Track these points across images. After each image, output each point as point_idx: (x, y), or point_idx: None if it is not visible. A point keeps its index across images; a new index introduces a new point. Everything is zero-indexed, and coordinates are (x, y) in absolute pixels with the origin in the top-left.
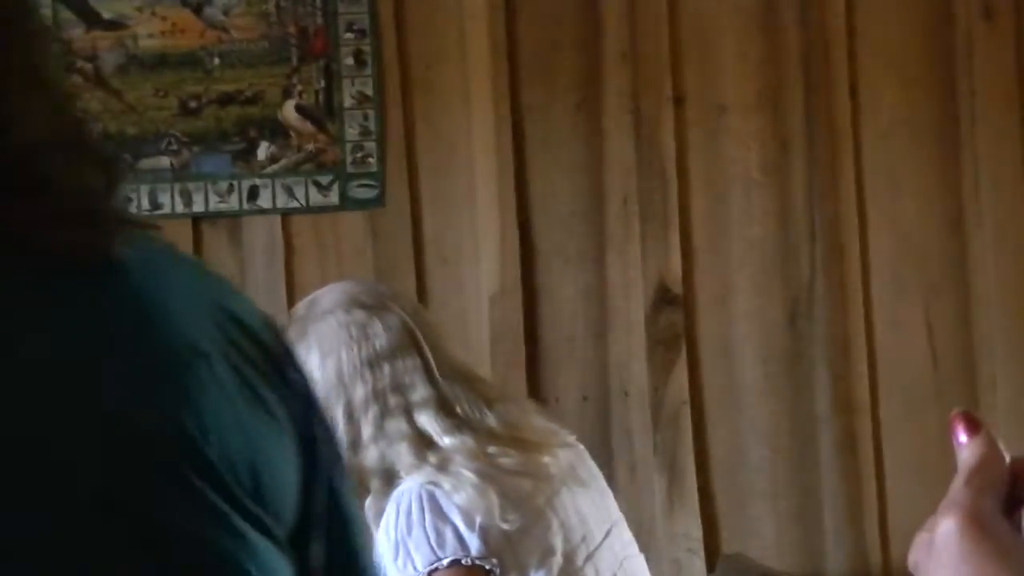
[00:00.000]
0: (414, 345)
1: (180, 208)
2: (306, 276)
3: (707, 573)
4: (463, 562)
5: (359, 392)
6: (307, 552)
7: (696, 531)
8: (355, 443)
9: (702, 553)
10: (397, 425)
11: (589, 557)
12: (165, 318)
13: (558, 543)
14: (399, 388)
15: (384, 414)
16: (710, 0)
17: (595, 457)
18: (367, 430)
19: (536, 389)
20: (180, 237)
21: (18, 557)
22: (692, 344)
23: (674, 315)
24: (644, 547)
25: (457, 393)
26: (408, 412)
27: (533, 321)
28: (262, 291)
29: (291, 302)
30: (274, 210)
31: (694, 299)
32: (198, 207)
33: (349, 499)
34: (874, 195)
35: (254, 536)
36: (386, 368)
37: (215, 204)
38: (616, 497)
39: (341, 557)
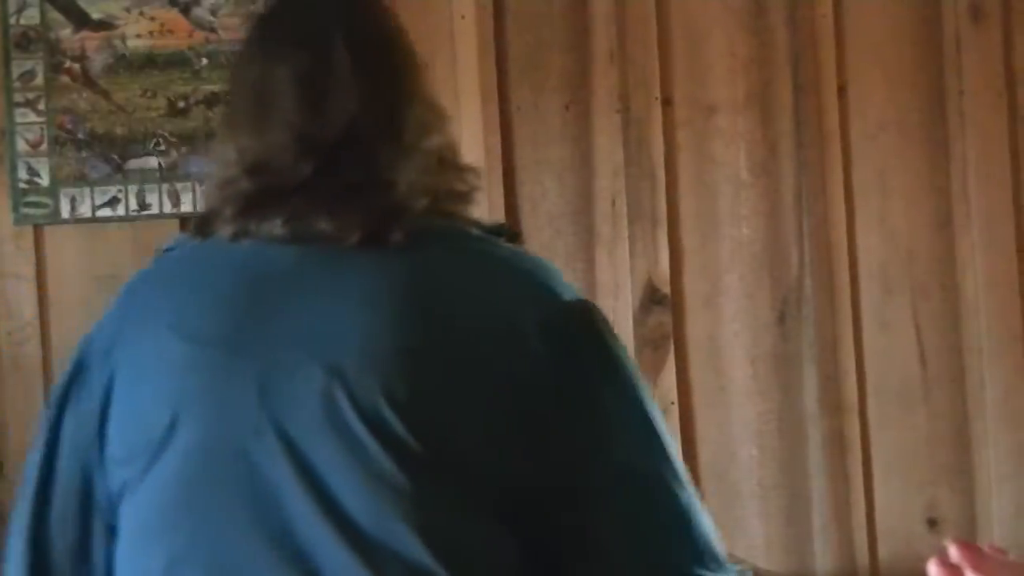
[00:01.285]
0: None
1: (168, 208)
2: None
3: None
4: None
5: None
6: None
7: None
8: None
9: None
10: None
11: None
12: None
13: None
14: None
15: None
16: (698, 1)
17: None
18: None
19: None
20: (168, 238)
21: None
22: (681, 344)
23: (663, 315)
24: None
25: None
26: None
27: None
28: None
29: None
30: None
31: (682, 299)
32: (186, 207)
33: None
34: (863, 195)
35: None
36: None
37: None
38: None
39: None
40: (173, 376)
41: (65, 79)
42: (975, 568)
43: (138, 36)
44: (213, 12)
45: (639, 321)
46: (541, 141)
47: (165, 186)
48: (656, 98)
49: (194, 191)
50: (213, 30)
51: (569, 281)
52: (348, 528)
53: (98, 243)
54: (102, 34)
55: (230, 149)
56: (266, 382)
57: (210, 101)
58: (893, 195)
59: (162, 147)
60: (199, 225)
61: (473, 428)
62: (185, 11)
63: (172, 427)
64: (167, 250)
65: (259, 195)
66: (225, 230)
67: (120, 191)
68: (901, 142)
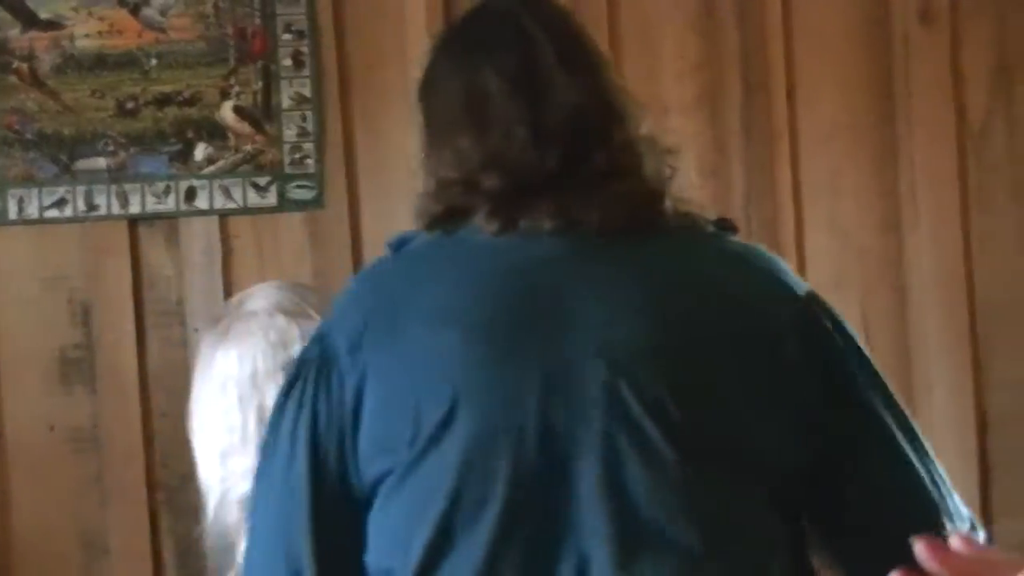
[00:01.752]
0: None
1: (117, 209)
2: (244, 277)
3: None
4: None
5: (271, 396)
6: None
7: None
8: None
9: None
10: None
11: None
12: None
13: None
14: None
15: None
16: (649, 2)
17: None
18: None
19: None
20: (116, 239)
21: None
22: None
23: None
24: None
25: None
26: None
27: None
28: (200, 293)
29: None
30: (212, 211)
31: None
32: (135, 208)
33: None
34: (811, 196)
35: None
36: None
37: (152, 205)
38: None
39: None
40: (449, 367)
41: (13, 79)
42: (943, 564)
43: (87, 36)
44: (163, 12)
45: None
46: None
47: (114, 187)
48: None
49: (143, 192)
50: (163, 30)
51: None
52: (625, 510)
53: (46, 244)
54: (51, 34)
55: (446, 154)
56: (550, 372)
57: (160, 102)
58: (842, 195)
59: (111, 148)
60: (441, 222)
61: (743, 419)
62: (134, 11)
63: (451, 415)
64: (400, 245)
65: (513, 190)
66: (488, 225)
67: (68, 192)
68: (850, 143)
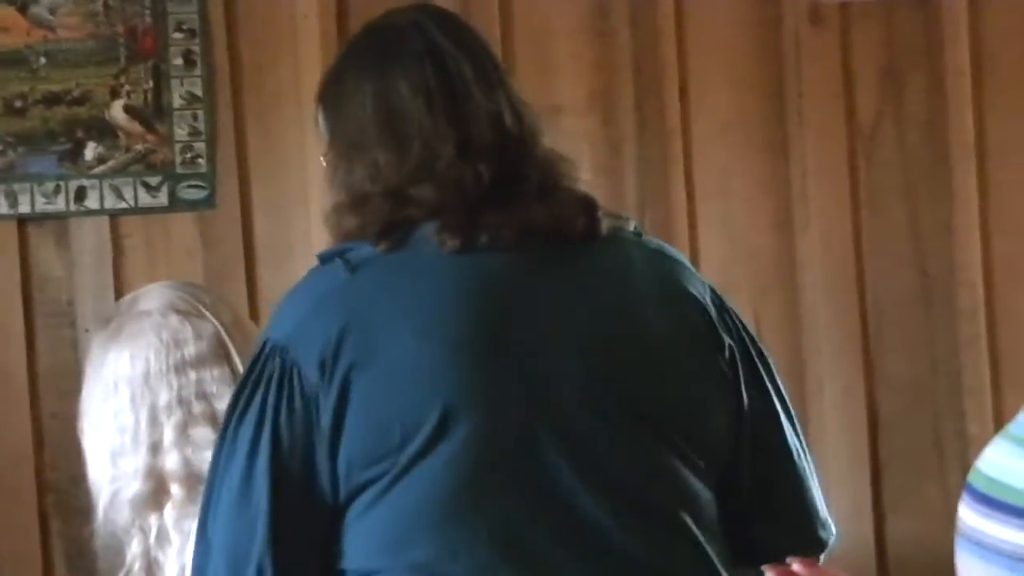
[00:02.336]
0: (224, 355)
1: (5, 209)
2: (136, 278)
3: None
4: None
5: (163, 396)
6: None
7: None
8: (156, 446)
9: None
10: (203, 432)
11: None
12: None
13: None
14: (204, 396)
15: (188, 421)
16: (543, 3)
17: None
18: (168, 435)
19: None
20: (5, 239)
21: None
22: None
23: None
24: None
25: None
26: (214, 420)
27: None
28: (91, 293)
29: None
30: (102, 211)
31: None
32: (24, 208)
33: None
34: (704, 196)
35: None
36: (192, 375)
37: (41, 205)
38: None
39: None
40: (435, 376)
41: None
42: None
43: None
44: (52, 10)
45: None
46: None
47: (2, 187)
48: None
49: (32, 192)
50: (52, 28)
51: None
52: (616, 496)
53: None
54: None
55: (359, 167)
56: (531, 374)
57: (49, 101)
58: (734, 196)
59: None
60: (380, 235)
61: (703, 398)
62: (22, 9)
63: (444, 421)
64: (339, 257)
65: (454, 204)
66: (449, 241)
67: None
68: (742, 143)
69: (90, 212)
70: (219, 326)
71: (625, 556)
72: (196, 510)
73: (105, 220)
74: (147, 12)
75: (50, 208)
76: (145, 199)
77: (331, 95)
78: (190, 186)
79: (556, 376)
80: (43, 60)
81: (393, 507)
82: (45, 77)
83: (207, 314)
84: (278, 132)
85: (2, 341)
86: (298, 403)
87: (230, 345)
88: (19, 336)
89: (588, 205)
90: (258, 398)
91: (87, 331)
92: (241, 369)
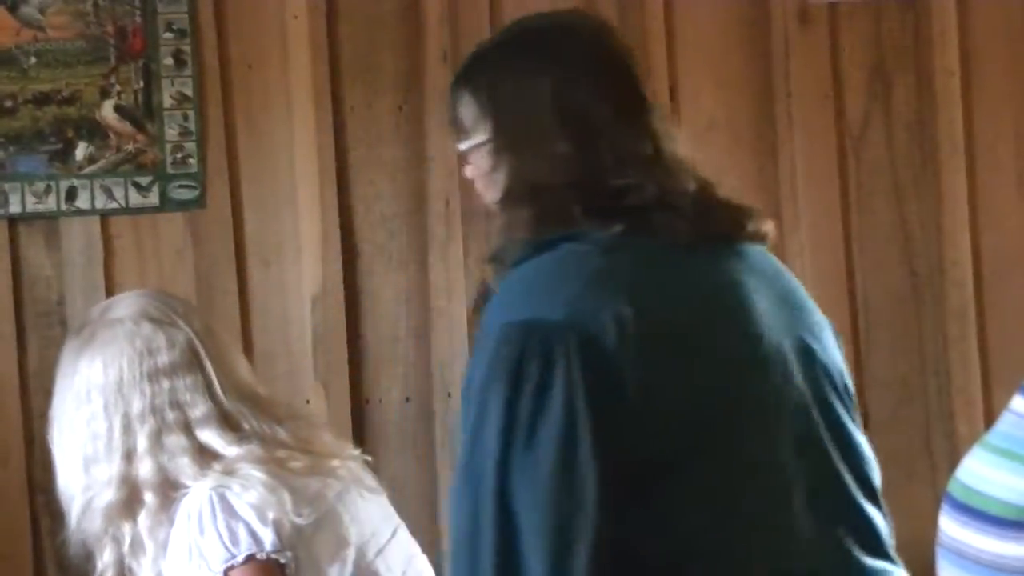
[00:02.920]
0: (197, 363)
1: None
2: (126, 278)
3: None
4: (258, 556)
5: (136, 404)
6: None
7: None
8: (130, 454)
9: None
10: (177, 440)
11: (380, 552)
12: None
13: (351, 535)
14: (178, 404)
15: (162, 429)
16: (531, 3)
17: (418, 457)
18: (142, 442)
19: (359, 390)
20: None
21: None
22: None
23: None
24: None
25: (242, 411)
26: (188, 428)
27: (355, 322)
28: (81, 293)
29: None
30: (93, 211)
31: None
32: (14, 208)
33: None
34: None
35: None
36: (165, 383)
37: (32, 205)
38: (439, 498)
39: None
40: (722, 364)
41: None
42: None
43: None
44: (41, 10)
45: (473, 322)
46: (375, 141)
47: None
48: None
49: (23, 192)
50: (41, 28)
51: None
52: (854, 465)
53: None
54: None
55: (538, 158)
56: (784, 361)
57: (39, 100)
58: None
59: None
60: (606, 224)
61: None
62: (12, 9)
63: (735, 402)
64: (588, 241)
65: (660, 200)
66: (680, 235)
67: None
68: (730, 142)
69: (80, 212)
70: (192, 334)
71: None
72: (169, 518)
73: (95, 220)
74: (137, 12)
75: (40, 208)
76: (135, 199)
77: (494, 86)
78: (180, 186)
79: (804, 366)
80: (33, 60)
81: (700, 492)
82: (35, 77)
83: (180, 322)
84: (268, 131)
85: None
86: (599, 385)
87: (203, 353)
88: (9, 336)
89: (752, 211)
90: (557, 384)
91: None
92: (214, 377)
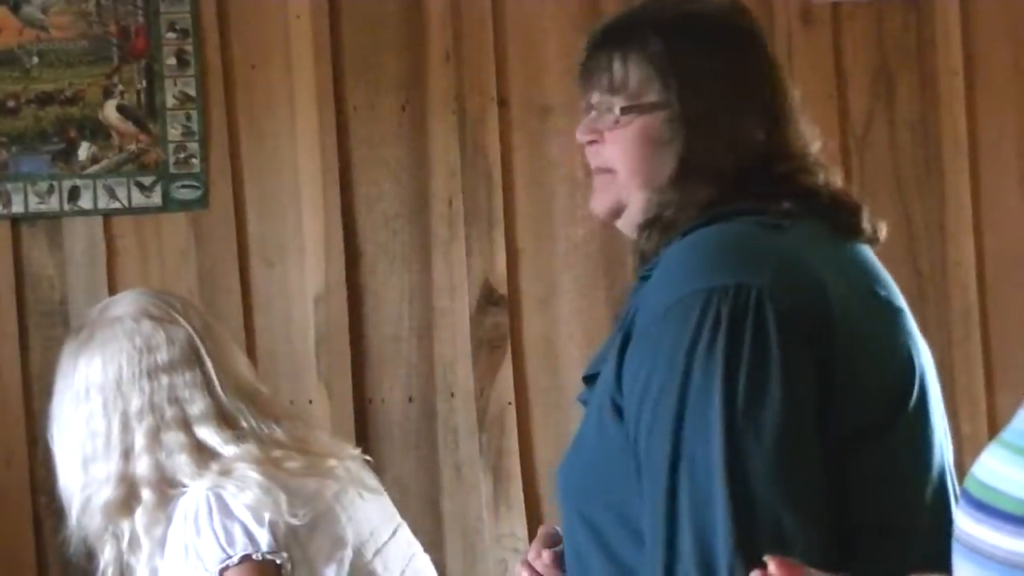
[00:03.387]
0: (196, 360)
1: None
2: (128, 278)
3: None
4: (254, 557)
5: (135, 402)
6: None
7: (522, 531)
8: (128, 452)
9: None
10: (175, 437)
11: (378, 552)
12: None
13: (348, 536)
14: (176, 401)
15: (160, 426)
16: (534, 2)
17: (420, 458)
18: (140, 440)
19: (361, 390)
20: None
21: None
22: (517, 345)
23: (499, 316)
24: (470, 547)
25: (240, 408)
26: (187, 425)
27: (358, 322)
28: (83, 294)
29: None
30: (95, 211)
31: (519, 300)
32: (17, 208)
33: None
34: None
35: None
36: (164, 380)
37: (35, 205)
38: (442, 498)
39: None
40: (903, 346)
41: None
42: None
43: None
44: (44, 10)
45: (476, 322)
46: (377, 141)
47: None
48: (492, 99)
49: (25, 192)
50: (44, 28)
51: None
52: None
53: None
54: None
55: (717, 138)
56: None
57: (41, 100)
58: None
59: None
60: (782, 207)
61: None
62: (15, 9)
63: (916, 376)
64: (779, 220)
65: (821, 190)
66: (868, 228)
67: None
68: None
69: (83, 212)
70: (191, 331)
71: None
72: (167, 516)
73: (98, 220)
74: (139, 12)
75: (43, 208)
76: (138, 199)
77: (673, 56)
78: (183, 186)
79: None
80: (36, 60)
81: (896, 463)
82: (38, 77)
83: (179, 319)
84: (270, 131)
85: None
86: (807, 355)
87: (202, 350)
88: (12, 336)
89: (861, 208)
90: (774, 350)
91: None
92: (213, 374)
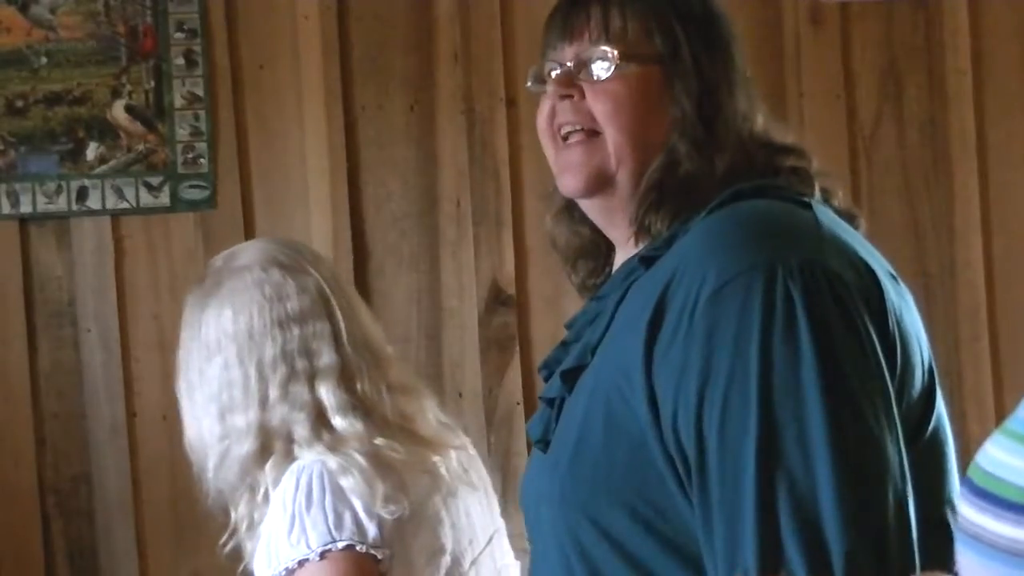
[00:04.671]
0: (326, 311)
1: (7, 209)
2: (137, 278)
3: None
4: (357, 548)
5: (269, 351)
6: None
7: None
8: (264, 401)
9: None
10: (301, 391)
11: (474, 562)
12: None
13: (448, 543)
14: (307, 352)
15: (291, 377)
16: (542, 2)
17: None
18: (274, 391)
19: None
20: (6, 239)
21: None
22: (525, 345)
23: (507, 316)
24: None
25: (361, 366)
26: (312, 379)
27: None
28: (92, 294)
29: (122, 305)
30: (104, 211)
31: (527, 300)
32: (25, 208)
33: None
34: None
35: None
36: (295, 331)
37: (43, 205)
38: None
39: None
40: (917, 319)
41: None
42: None
43: None
44: (52, 10)
45: (484, 322)
46: (386, 141)
47: (3, 186)
48: (500, 99)
49: (34, 192)
50: (52, 28)
51: None
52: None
53: None
54: None
55: (735, 114)
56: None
57: (50, 100)
58: None
59: (0, 147)
60: (811, 189)
61: None
62: (23, 9)
63: (932, 375)
64: (808, 205)
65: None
66: (856, 212)
67: None
68: None
69: (91, 212)
70: (321, 280)
71: None
72: (288, 469)
73: (106, 220)
74: (148, 12)
75: (51, 208)
76: (146, 199)
77: (678, 8)
78: (191, 186)
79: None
80: (44, 60)
81: (928, 452)
82: (46, 77)
83: (310, 268)
84: (279, 131)
85: (3, 340)
86: (878, 326)
87: (333, 301)
88: (20, 336)
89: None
90: (862, 328)
91: (88, 331)
92: (343, 326)
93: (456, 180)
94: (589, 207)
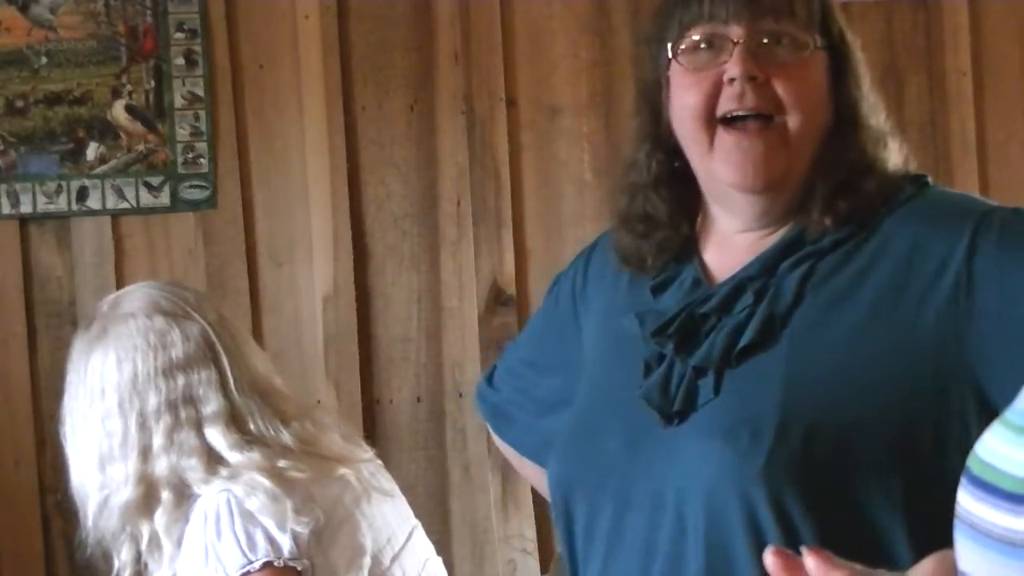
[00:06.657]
0: (211, 357)
1: (7, 209)
2: (137, 278)
3: (541, 574)
4: (275, 564)
5: (152, 401)
6: None
7: (530, 532)
8: (146, 451)
9: (536, 554)
10: (187, 438)
11: (395, 558)
12: None
13: (367, 542)
14: (192, 400)
15: (176, 425)
16: (542, 2)
17: (429, 458)
18: (158, 440)
19: (370, 390)
20: (7, 239)
21: None
22: None
23: (507, 316)
24: (478, 547)
25: (252, 408)
26: (199, 425)
27: (367, 322)
28: (92, 294)
29: None
30: (104, 211)
31: (527, 300)
32: (26, 208)
33: None
34: None
35: None
36: (180, 379)
37: (43, 205)
38: (450, 498)
39: None
40: None
41: None
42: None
43: None
44: (52, 10)
45: (484, 322)
46: (386, 141)
47: (4, 186)
48: (500, 99)
49: (34, 192)
50: (52, 28)
51: None
52: None
53: None
54: None
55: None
56: None
57: (50, 100)
58: None
59: (0, 147)
60: None
61: None
62: (23, 9)
63: None
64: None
65: None
66: None
67: None
68: None
69: (91, 212)
70: (206, 326)
71: None
72: (184, 515)
73: (107, 220)
74: (148, 12)
75: (52, 208)
76: (147, 199)
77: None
78: (191, 186)
79: None
80: (44, 60)
81: None
82: (46, 77)
83: (193, 314)
84: (279, 131)
85: (4, 341)
86: None
87: (218, 345)
88: (21, 336)
89: None
90: None
91: None
92: (229, 372)
93: (456, 180)
94: (740, 195)
